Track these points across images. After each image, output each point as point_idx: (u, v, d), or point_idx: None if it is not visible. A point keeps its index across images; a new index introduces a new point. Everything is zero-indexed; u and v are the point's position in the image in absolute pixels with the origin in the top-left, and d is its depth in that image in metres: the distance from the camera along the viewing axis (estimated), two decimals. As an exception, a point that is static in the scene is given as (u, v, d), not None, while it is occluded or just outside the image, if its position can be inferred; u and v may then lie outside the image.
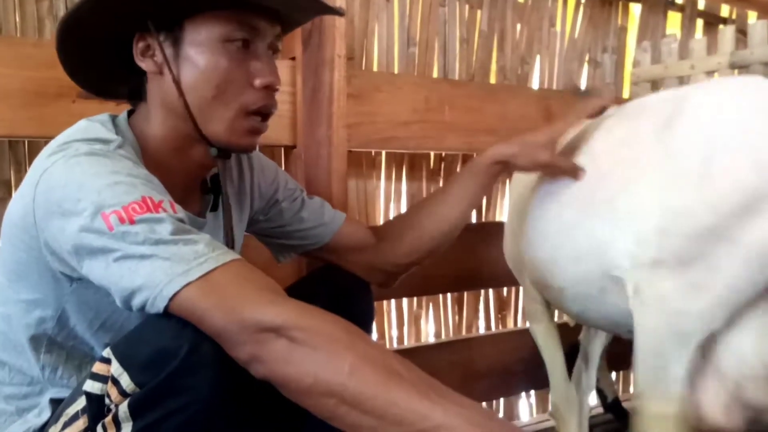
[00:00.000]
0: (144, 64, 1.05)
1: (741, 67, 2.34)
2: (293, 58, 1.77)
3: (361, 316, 1.32)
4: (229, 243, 1.23)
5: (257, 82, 1.06)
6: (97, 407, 0.91)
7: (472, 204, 1.37)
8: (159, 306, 0.87)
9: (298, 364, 0.85)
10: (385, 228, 1.44)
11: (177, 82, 1.04)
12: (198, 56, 1.03)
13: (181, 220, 0.93)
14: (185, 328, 0.87)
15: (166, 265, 0.87)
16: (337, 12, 1.20)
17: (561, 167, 1.29)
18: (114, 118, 1.07)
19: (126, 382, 0.88)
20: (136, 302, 0.88)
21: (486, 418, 0.81)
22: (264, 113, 1.10)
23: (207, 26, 1.03)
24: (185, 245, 0.89)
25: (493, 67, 2.49)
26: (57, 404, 1.03)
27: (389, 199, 2.39)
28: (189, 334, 0.87)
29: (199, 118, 1.06)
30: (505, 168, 1.34)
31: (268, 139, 1.65)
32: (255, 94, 1.07)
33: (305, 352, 0.84)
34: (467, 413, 0.80)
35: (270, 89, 1.09)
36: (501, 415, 2.62)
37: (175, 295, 0.86)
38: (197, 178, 1.16)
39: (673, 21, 3.08)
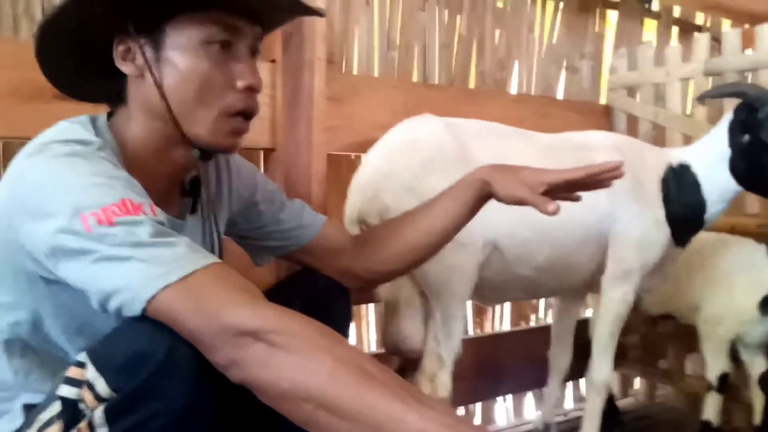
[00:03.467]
0: (125, 68, 1.04)
1: (715, 74, 2.38)
2: (273, 61, 1.76)
3: (339, 321, 1.31)
4: (209, 246, 1.22)
5: (239, 83, 1.06)
6: (71, 412, 0.89)
7: (456, 220, 1.32)
8: (136, 309, 0.85)
9: (276, 369, 0.84)
10: (367, 235, 1.42)
11: (159, 85, 1.02)
12: (179, 59, 1.02)
13: (160, 223, 0.92)
14: (162, 332, 0.86)
15: (144, 267, 0.85)
16: (317, 13, 1.19)
17: (535, 204, 1.20)
18: (94, 120, 1.06)
19: (101, 386, 0.87)
20: (113, 304, 0.87)
21: (459, 422, 0.81)
22: (246, 114, 1.09)
23: (188, 29, 1.02)
24: (164, 248, 0.88)
25: (473, 71, 2.51)
26: (30, 410, 1.00)
27: (368, 202, 2.39)
28: (166, 337, 0.86)
29: (182, 120, 1.04)
30: (486, 188, 1.28)
31: (247, 142, 1.63)
32: (237, 96, 1.06)
33: (283, 356, 0.84)
34: (442, 417, 0.80)
35: (252, 91, 1.08)
36: (478, 419, 2.63)
37: (152, 297, 0.85)
38: (177, 180, 1.15)
39: (650, 28, 3.13)
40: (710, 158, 1.82)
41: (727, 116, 1.82)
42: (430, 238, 1.33)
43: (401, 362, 1.89)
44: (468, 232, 1.40)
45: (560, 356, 2.18)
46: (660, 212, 1.84)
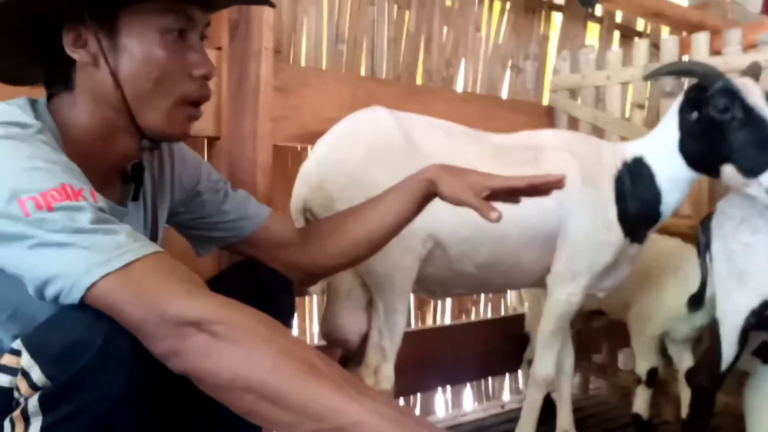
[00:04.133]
0: (77, 55, 1.02)
1: (653, 79, 2.46)
2: (219, 48, 1.74)
3: (282, 313, 1.30)
4: (150, 234, 1.20)
5: (196, 72, 1.06)
6: (5, 401, 0.88)
7: (401, 218, 1.32)
8: (75, 296, 0.84)
9: (217, 359, 0.83)
10: (312, 228, 1.42)
11: (114, 74, 1.01)
12: (137, 48, 1.01)
13: (101, 210, 0.90)
14: (101, 320, 0.84)
15: (85, 254, 0.84)
16: (266, 2, 1.19)
17: (477, 208, 1.23)
18: (33, 103, 1.03)
19: (37, 375, 0.85)
20: (51, 292, 0.85)
21: (400, 413, 0.83)
22: (199, 102, 1.10)
23: (144, 17, 1.01)
24: (105, 235, 0.86)
25: (420, 68, 2.53)
26: (-39, 398, 0.98)
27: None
28: (105, 326, 0.84)
29: (136, 109, 1.04)
30: (433, 188, 1.29)
31: (191, 130, 1.63)
32: (193, 85, 1.06)
33: (225, 346, 0.83)
34: (383, 409, 0.82)
35: (206, 78, 1.08)
36: (418, 410, 2.67)
37: (92, 285, 0.83)
38: (118, 167, 1.13)
39: (593, 32, 3.21)
40: (662, 145, 1.82)
41: (677, 100, 1.82)
42: (375, 234, 1.34)
43: (344, 353, 1.91)
44: (410, 227, 1.42)
45: (562, 357, 2.10)
46: (612, 213, 1.83)
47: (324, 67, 2.23)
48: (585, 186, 1.81)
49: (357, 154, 1.64)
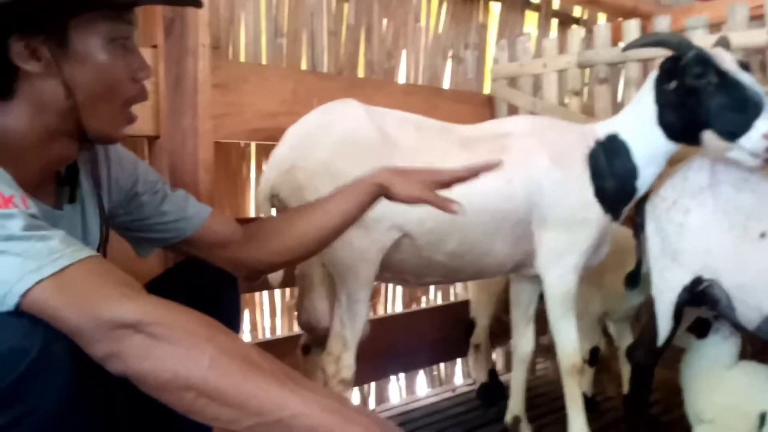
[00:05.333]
0: (28, 66, 1.01)
1: (588, 66, 2.53)
2: (155, 46, 1.73)
3: (228, 309, 1.32)
4: (91, 234, 1.20)
5: (140, 75, 1.10)
6: None
7: (347, 219, 1.37)
8: (9, 304, 0.84)
9: (156, 360, 0.85)
10: (257, 226, 1.43)
11: (66, 83, 1.03)
12: (88, 57, 1.04)
13: (33, 216, 0.90)
14: (37, 326, 0.85)
15: (18, 261, 0.85)
16: (194, 3, 1.19)
17: (436, 204, 1.33)
18: None
19: None
20: None
21: (341, 404, 0.86)
22: (136, 103, 1.13)
23: (94, 27, 1.03)
24: (38, 241, 0.87)
25: (361, 60, 2.54)
26: None
27: (259, 190, 2.39)
28: (41, 332, 0.85)
29: (84, 114, 1.06)
30: (383, 192, 1.36)
31: (131, 129, 1.61)
32: (136, 88, 1.11)
33: (163, 347, 0.85)
34: (323, 401, 0.85)
35: (144, 80, 1.12)
36: (372, 398, 2.70)
37: (26, 292, 0.84)
38: (53, 170, 1.13)
39: (531, 20, 3.27)
40: (637, 120, 1.83)
41: (651, 75, 1.85)
42: (322, 233, 1.37)
43: (307, 341, 1.92)
44: (376, 218, 1.45)
45: (521, 345, 2.17)
46: (587, 191, 1.84)
47: (264, 62, 2.22)
48: (554, 168, 1.83)
49: (327, 145, 1.67)
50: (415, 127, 1.80)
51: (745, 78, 1.66)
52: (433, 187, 1.35)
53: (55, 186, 1.15)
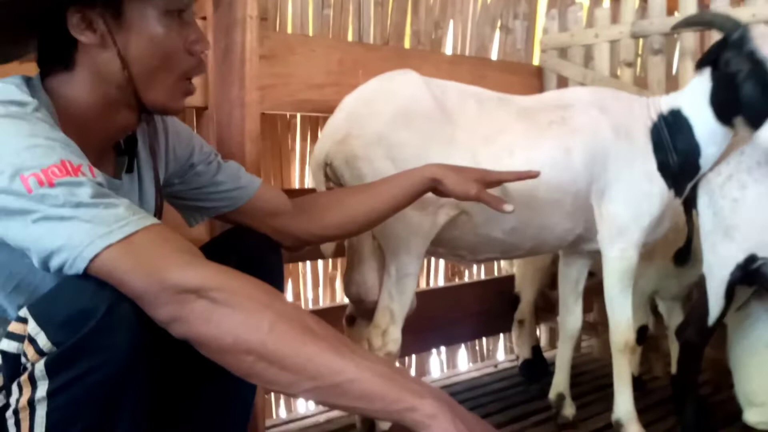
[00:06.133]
0: (84, 37, 1.04)
1: (641, 37, 2.45)
2: (204, 18, 1.73)
3: (273, 276, 1.35)
4: (146, 204, 1.23)
5: (197, 48, 1.11)
6: (12, 366, 0.92)
7: (396, 205, 1.45)
8: (79, 267, 0.88)
9: (218, 324, 0.88)
10: (310, 200, 1.48)
11: (121, 54, 1.05)
12: (142, 29, 1.05)
13: (100, 184, 0.94)
14: (104, 289, 0.89)
15: (87, 227, 0.88)
16: None
17: (488, 203, 1.45)
18: (28, 81, 1.05)
19: (43, 341, 0.89)
20: (55, 263, 0.89)
21: (395, 372, 0.88)
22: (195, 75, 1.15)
23: None
24: (105, 209, 0.90)
25: (408, 31, 2.51)
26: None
27: (305, 161, 2.40)
28: (108, 294, 0.89)
29: (141, 86, 1.08)
30: (435, 185, 1.44)
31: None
32: (193, 60, 1.11)
33: (225, 312, 0.88)
34: (376, 367, 0.88)
35: (202, 53, 1.13)
36: (413, 371, 2.72)
37: (95, 256, 0.87)
38: (113, 140, 1.17)
39: (583, -11, 3.18)
40: (697, 97, 1.78)
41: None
42: (370, 215, 1.44)
43: (352, 312, 1.93)
44: (431, 194, 1.48)
45: (569, 322, 2.12)
46: (650, 164, 1.80)
47: (311, 33, 2.21)
48: (618, 140, 1.79)
49: (386, 113, 1.66)
50: (475, 100, 1.77)
51: None
52: (484, 185, 1.46)
53: (114, 156, 1.19)
